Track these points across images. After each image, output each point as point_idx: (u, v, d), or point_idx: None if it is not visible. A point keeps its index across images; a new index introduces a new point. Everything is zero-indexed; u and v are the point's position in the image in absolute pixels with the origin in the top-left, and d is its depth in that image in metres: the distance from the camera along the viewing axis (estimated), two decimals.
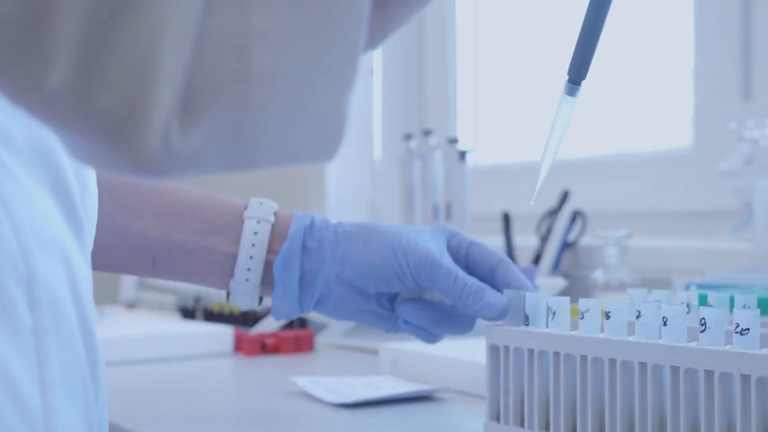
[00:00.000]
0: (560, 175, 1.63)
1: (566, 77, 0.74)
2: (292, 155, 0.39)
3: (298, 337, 1.24)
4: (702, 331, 0.61)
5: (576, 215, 1.40)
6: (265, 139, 0.37)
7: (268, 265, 0.76)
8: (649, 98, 1.60)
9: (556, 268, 1.37)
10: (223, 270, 0.76)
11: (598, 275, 1.28)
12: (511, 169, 1.78)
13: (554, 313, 0.70)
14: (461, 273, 0.76)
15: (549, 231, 1.39)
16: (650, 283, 1.30)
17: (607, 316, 0.66)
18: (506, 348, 0.72)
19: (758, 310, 0.65)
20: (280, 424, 0.84)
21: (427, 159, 1.56)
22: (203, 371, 1.13)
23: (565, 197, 1.40)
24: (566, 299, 0.70)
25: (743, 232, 1.31)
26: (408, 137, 1.60)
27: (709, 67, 1.46)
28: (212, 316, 1.48)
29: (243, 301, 0.77)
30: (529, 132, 1.80)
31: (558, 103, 0.74)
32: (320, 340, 1.31)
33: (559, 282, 1.24)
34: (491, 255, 0.79)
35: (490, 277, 0.78)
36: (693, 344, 0.61)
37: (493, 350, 0.73)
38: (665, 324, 0.63)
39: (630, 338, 0.65)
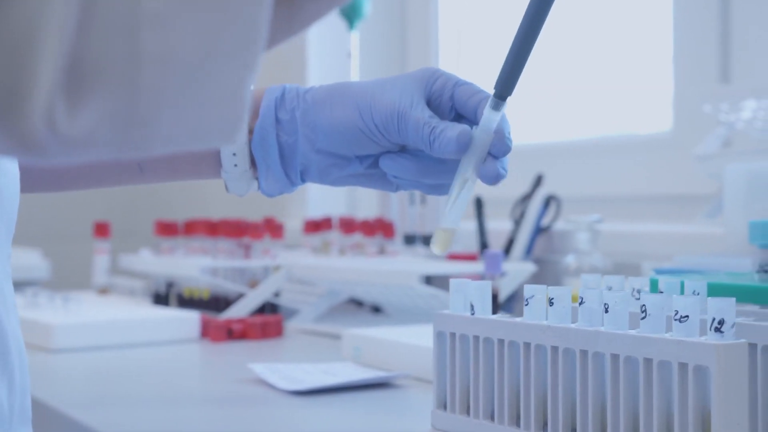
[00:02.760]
0: (538, 160, 1.62)
1: (493, 91, 0.71)
2: (188, 139, 0.39)
3: (265, 323, 1.23)
4: (643, 318, 0.60)
5: (550, 200, 1.39)
6: (158, 123, 0.37)
7: (251, 145, 0.74)
8: (630, 83, 1.58)
9: (528, 253, 1.36)
10: (211, 161, 0.74)
11: (570, 261, 1.26)
12: None
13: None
14: (429, 118, 0.70)
15: (522, 216, 1.38)
16: (622, 268, 1.29)
17: (551, 302, 0.65)
18: (452, 335, 0.71)
19: (699, 296, 0.64)
20: (229, 411, 0.83)
21: None
22: (166, 357, 1.12)
23: (538, 182, 1.39)
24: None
25: (718, 216, 1.29)
26: None
27: (688, 50, 1.45)
28: (184, 301, 1.47)
29: (240, 187, 0.75)
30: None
31: (482, 117, 0.71)
32: (291, 325, 1.30)
33: (528, 267, 1.23)
34: (476, 93, 0.72)
35: (475, 115, 0.72)
36: (633, 332, 0.60)
37: (440, 337, 0.72)
38: (606, 311, 0.62)
39: (573, 325, 0.64)
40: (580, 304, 0.64)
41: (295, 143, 0.74)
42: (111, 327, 1.17)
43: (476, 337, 0.70)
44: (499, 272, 1.11)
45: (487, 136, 0.69)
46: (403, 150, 0.73)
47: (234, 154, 0.73)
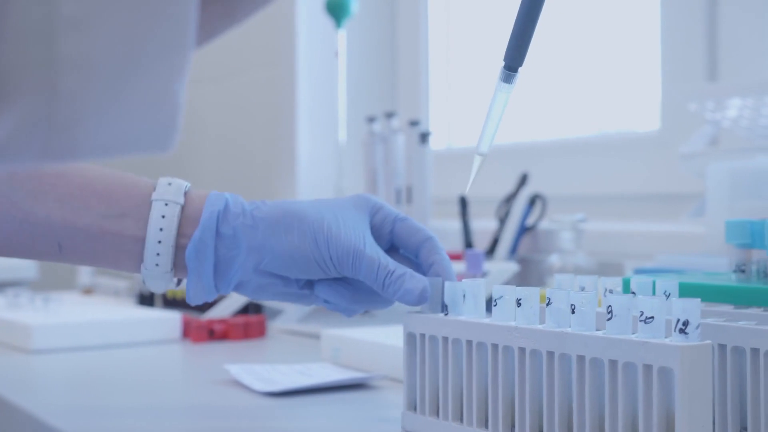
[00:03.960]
0: (523, 159, 1.61)
1: (502, 63, 0.71)
2: (118, 146, 0.38)
3: (247, 324, 1.23)
4: (609, 319, 0.60)
5: (535, 199, 1.38)
6: (80, 129, 0.36)
7: (179, 249, 0.73)
8: (618, 82, 1.57)
9: (513, 252, 1.35)
10: (133, 254, 0.73)
11: (554, 260, 1.26)
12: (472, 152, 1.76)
13: (465, 298, 0.68)
14: (383, 260, 0.73)
15: (507, 215, 1.37)
16: (607, 267, 1.28)
17: (518, 303, 0.65)
18: (422, 336, 0.71)
19: (664, 297, 0.63)
20: (200, 413, 0.83)
21: (390, 141, 1.54)
22: (145, 358, 1.11)
23: (523, 181, 1.38)
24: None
25: (703, 215, 1.29)
26: (371, 120, 1.58)
27: (675, 49, 1.44)
28: (169, 302, 1.46)
29: (157, 284, 0.74)
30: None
31: (494, 90, 0.71)
32: (274, 326, 1.30)
33: (511, 267, 1.22)
34: (418, 231, 0.75)
35: (415, 255, 0.75)
36: (599, 333, 0.60)
37: (410, 338, 0.72)
38: (573, 312, 0.61)
39: (540, 326, 0.63)
40: (548, 304, 0.63)
41: (233, 259, 0.73)
42: (90, 328, 1.16)
43: (445, 338, 0.69)
44: (480, 272, 1.10)
45: (494, 122, 0.71)
46: (342, 278, 0.75)
47: (158, 254, 0.72)
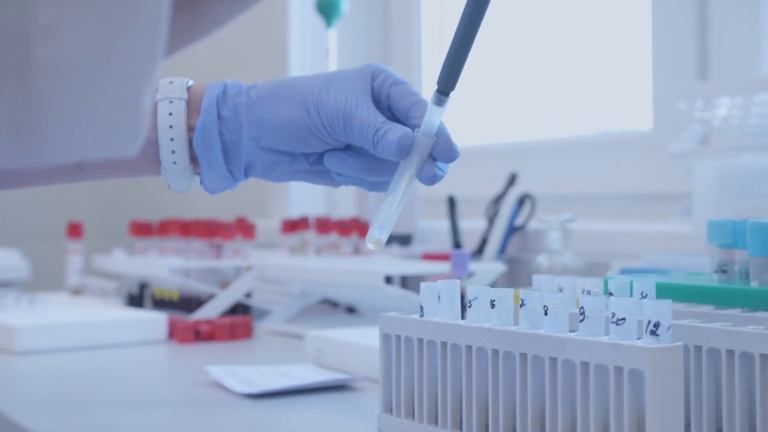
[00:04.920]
0: (515, 159, 1.60)
1: (435, 87, 0.71)
2: (85, 147, 0.39)
3: (233, 324, 1.22)
4: (581, 321, 0.59)
5: (525, 199, 1.37)
6: (53, 131, 0.37)
7: (191, 143, 0.73)
8: (610, 81, 1.57)
9: (502, 252, 1.34)
10: (150, 157, 0.73)
11: (542, 260, 1.25)
12: (467, 152, 1.75)
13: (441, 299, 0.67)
14: (374, 118, 0.71)
15: (496, 215, 1.36)
16: (595, 267, 1.28)
17: (492, 304, 0.64)
18: (398, 337, 0.70)
19: (637, 298, 0.63)
20: (179, 415, 0.82)
21: None
22: (129, 359, 1.10)
23: (511, 181, 1.37)
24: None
25: (693, 214, 1.28)
26: None
27: (666, 48, 1.43)
28: (158, 302, 1.46)
29: (181, 183, 0.74)
30: (481, 116, 1.77)
31: (426, 112, 0.71)
32: (262, 326, 1.29)
33: (498, 267, 1.21)
34: (410, 95, 0.73)
35: (405, 116, 0.73)
36: (572, 334, 0.59)
37: (386, 339, 0.71)
38: (546, 313, 0.61)
39: (513, 328, 0.62)
40: (521, 306, 0.63)
41: (238, 140, 0.73)
42: (75, 329, 1.15)
43: (420, 340, 0.68)
44: (466, 272, 1.10)
45: (428, 137, 0.69)
46: (348, 148, 0.74)
47: (173, 152, 0.72)
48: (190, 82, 0.75)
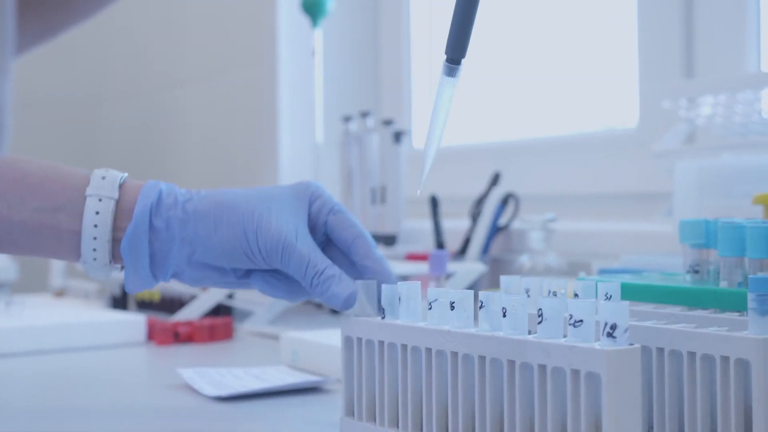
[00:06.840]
0: (500, 158, 1.59)
1: (444, 57, 0.69)
2: None
3: (213, 326, 1.21)
4: (539, 323, 0.58)
5: (508, 198, 1.36)
6: None
7: (116, 242, 0.73)
8: (595, 80, 1.56)
9: (485, 252, 1.33)
10: (71, 247, 0.73)
11: (524, 260, 1.24)
12: (449, 152, 1.74)
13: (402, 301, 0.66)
14: (314, 257, 0.71)
15: (479, 215, 1.35)
16: (577, 267, 1.27)
17: (452, 307, 0.63)
18: (359, 340, 0.69)
19: (601, 299, 0.62)
20: (143, 417, 0.81)
21: (364, 141, 1.52)
22: (105, 362, 1.09)
23: (495, 180, 1.36)
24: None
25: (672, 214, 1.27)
26: (347, 119, 1.57)
27: (652, 47, 1.42)
28: (141, 304, 1.45)
29: (97, 275, 0.74)
30: (464, 115, 1.76)
31: (438, 85, 0.69)
32: (243, 327, 1.28)
33: (479, 267, 1.20)
34: (350, 227, 0.74)
35: (347, 251, 0.74)
36: (530, 337, 0.58)
37: (348, 342, 0.70)
38: (504, 315, 0.60)
39: (472, 330, 0.62)
40: (481, 308, 0.62)
41: (168, 251, 0.73)
42: (52, 331, 1.15)
43: (381, 342, 0.67)
44: (444, 273, 1.09)
45: (441, 119, 0.68)
46: (276, 270, 0.74)
47: (94, 249, 0.72)
48: (124, 178, 0.74)
